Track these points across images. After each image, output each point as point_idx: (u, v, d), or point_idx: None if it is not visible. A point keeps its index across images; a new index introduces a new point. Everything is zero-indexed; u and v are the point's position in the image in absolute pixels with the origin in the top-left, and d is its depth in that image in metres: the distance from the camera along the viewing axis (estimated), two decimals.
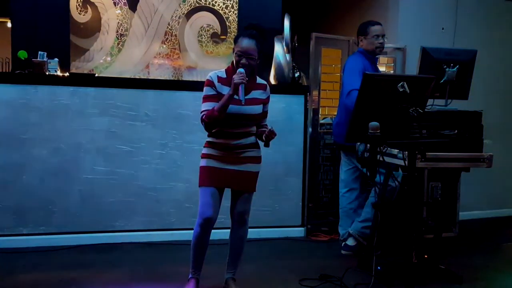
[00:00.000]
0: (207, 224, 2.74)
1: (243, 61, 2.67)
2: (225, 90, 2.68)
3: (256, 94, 2.75)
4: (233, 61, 2.76)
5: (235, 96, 2.61)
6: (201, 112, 2.68)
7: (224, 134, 2.73)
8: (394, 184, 3.52)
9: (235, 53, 2.70)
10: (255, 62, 2.72)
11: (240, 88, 2.58)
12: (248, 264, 3.26)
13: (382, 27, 3.79)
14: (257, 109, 2.75)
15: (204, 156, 2.78)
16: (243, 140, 2.76)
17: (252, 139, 2.80)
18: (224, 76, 2.74)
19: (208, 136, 2.80)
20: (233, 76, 2.61)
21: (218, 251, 3.06)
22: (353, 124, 2.79)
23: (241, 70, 2.63)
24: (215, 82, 2.71)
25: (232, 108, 2.65)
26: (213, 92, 2.70)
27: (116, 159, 3.98)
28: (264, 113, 2.84)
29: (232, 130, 2.73)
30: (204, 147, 2.81)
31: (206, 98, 2.70)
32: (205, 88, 2.72)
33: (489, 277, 3.46)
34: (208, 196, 2.74)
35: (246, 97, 2.62)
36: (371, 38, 3.73)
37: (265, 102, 2.81)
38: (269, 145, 2.73)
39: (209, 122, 2.64)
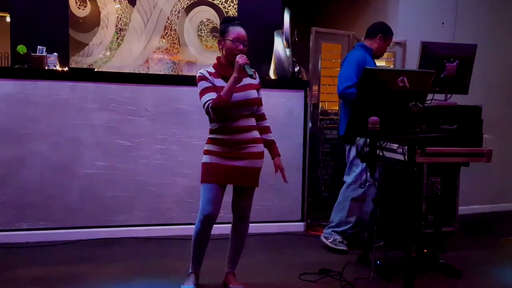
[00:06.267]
0: (208, 221, 2.75)
1: (241, 47, 2.72)
2: (218, 82, 2.73)
3: (248, 80, 2.78)
4: (218, 57, 2.82)
5: (249, 75, 2.65)
6: (205, 103, 2.68)
7: (227, 129, 2.73)
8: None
9: (230, 41, 2.72)
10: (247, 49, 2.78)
11: (245, 67, 2.63)
12: (248, 258, 3.26)
13: None
14: (253, 93, 2.80)
15: (207, 152, 2.79)
16: (246, 134, 2.76)
17: (254, 133, 2.80)
18: (213, 71, 2.79)
19: (210, 133, 2.80)
20: (236, 59, 2.64)
21: (219, 246, 3.06)
22: (353, 119, 2.79)
23: (239, 55, 2.68)
24: (207, 76, 2.75)
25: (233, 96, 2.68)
26: (209, 84, 2.73)
27: (116, 154, 3.98)
28: (259, 100, 2.87)
29: (234, 124, 2.73)
30: (206, 143, 2.81)
31: (206, 90, 2.72)
32: (200, 83, 2.75)
33: (488, 271, 3.47)
34: (210, 193, 2.74)
35: (240, 84, 2.71)
36: (386, 45, 3.82)
37: (257, 88, 2.85)
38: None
39: (218, 107, 2.64)
